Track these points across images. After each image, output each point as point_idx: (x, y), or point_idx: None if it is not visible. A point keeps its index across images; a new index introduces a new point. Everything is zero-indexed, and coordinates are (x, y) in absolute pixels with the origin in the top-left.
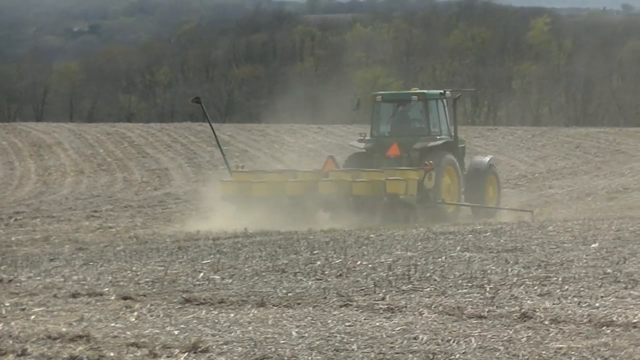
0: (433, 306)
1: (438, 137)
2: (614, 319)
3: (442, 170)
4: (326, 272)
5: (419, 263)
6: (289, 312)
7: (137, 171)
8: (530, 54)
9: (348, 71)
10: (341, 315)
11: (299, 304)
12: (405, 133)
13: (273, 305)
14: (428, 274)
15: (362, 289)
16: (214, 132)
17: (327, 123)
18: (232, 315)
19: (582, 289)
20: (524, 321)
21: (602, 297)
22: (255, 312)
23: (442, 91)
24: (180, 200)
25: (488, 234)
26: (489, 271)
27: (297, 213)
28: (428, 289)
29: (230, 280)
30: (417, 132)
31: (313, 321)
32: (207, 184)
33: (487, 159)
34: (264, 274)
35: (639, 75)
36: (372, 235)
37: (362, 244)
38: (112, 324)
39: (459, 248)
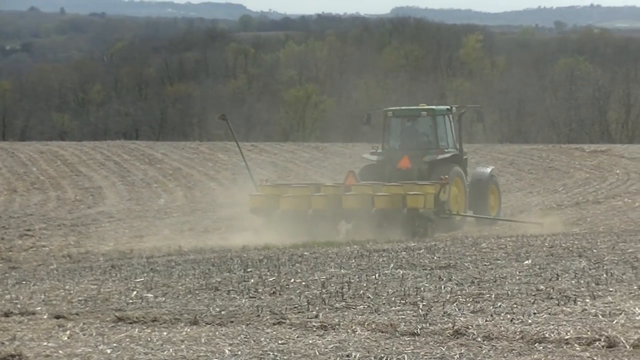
0: (366, 323)
1: (446, 150)
2: (547, 335)
3: (450, 182)
4: (260, 290)
5: (352, 281)
6: (222, 330)
7: (70, 189)
8: (463, 71)
9: (281, 89)
10: (274, 333)
11: (232, 322)
12: (415, 146)
13: (206, 324)
14: (361, 292)
15: (295, 307)
16: (239, 147)
17: (260, 141)
18: (165, 333)
19: (514, 305)
20: (457, 338)
21: (534, 313)
22: (188, 330)
23: (448, 107)
24: (113, 218)
25: (422, 251)
26: (422, 288)
27: (320, 225)
28: (361, 306)
29: (163, 299)
30: (426, 145)
31: (246, 339)
32: (141, 202)
33: (489, 169)
34: (197, 292)
35: (571, 92)
36: (306, 253)
37: (295, 261)
38: (45, 343)
39: (392, 265)
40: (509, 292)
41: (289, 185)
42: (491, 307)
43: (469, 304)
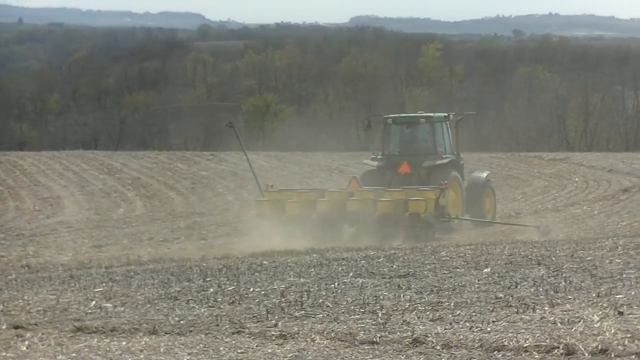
0: (325, 332)
1: (444, 156)
2: (505, 343)
3: (449, 187)
4: (219, 300)
5: (311, 289)
6: (180, 340)
7: (29, 199)
8: (422, 80)
9: (240, 98)
10: (233, 342)
11: (191, 331)
12: (414, 152)
13: (165, 333)
14: (321, 300)
15: (254, 316)
16: (245, 154)
17: (220, 150)
18: (123, 343)
19: (473, 313)
20: (416, 346)
21: (493, 321)
22: (147, 340)
23: (446, 114)
24: (72, 228)
25: (381, 259)
26: (381, 297)
27: (325, 229)
28: (321, 315)
29: (122, 309)
30: (425, 151)
31: (205, 348)
32: (100, 212)
33: (485, 174)
34: (156, 301)
35: (530, 100)
36: (265, 262)
37: (255, 270)
38: (3, 354)
39: (351, 274)
40: (468, 300)
41: (295, 191)
42: (450, 316)
43: (427, 313)
